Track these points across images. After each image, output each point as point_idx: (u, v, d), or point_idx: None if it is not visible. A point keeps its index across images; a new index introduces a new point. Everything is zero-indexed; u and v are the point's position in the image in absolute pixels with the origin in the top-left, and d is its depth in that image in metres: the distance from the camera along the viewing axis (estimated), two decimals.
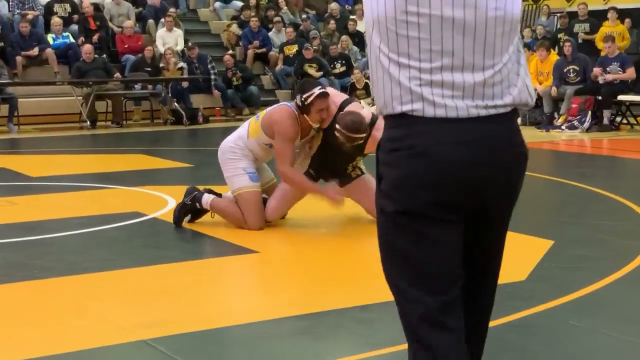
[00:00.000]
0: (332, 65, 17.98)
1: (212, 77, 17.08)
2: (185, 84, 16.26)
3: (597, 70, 14.13)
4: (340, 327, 4.35)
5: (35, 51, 16.29)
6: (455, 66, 2.35)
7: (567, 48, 14.56)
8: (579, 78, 14.35)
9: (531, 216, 7.37)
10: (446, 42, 2.33)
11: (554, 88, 14.34)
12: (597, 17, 17.98)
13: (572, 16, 18.57)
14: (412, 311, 2.42)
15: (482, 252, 2.54)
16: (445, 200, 2.36)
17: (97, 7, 18.02)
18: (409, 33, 2.34)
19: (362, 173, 6.75)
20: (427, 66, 2.35)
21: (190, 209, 6.65)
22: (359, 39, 19.42)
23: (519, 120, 2.67)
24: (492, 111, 2.38)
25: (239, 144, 6.58)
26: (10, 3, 17.51)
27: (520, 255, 5.75)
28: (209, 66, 17.16)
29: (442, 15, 2.31)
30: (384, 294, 4.75)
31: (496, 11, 2.35)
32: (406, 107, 2.37)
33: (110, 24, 17.79)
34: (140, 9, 19.04)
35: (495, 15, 2.35)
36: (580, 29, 17.56)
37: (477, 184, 2.38)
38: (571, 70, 14.46)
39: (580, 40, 17.31)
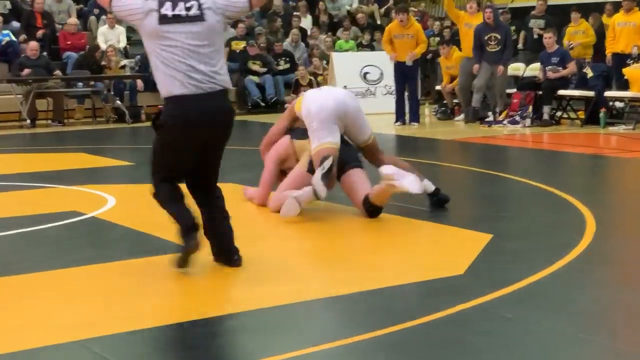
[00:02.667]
0: (276, 62, 17.96)
1: None
2: (140, 83, 16.06)
3: (540, 74, 14.25)
4: (278, 325, 4.36)
5: None
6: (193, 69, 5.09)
7: (488, 15, 14.26)
8: (499, 47, 14.23)
9: (470, 210, 7.46)
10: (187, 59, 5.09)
11: (476, 65, 14.31)
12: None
13: (528, 11, 18.41)
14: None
15: None
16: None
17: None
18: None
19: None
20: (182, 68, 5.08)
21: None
22: (303, 35, 19.44)
23: None
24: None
25: None
26: None
27: (459, 249, 5.81)
28: None
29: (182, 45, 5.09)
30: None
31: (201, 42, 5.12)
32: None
33: None
34: (81, 5, 18.81)
35: (201, 44, 5.11)
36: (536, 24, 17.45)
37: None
38: (492, 37, 14.29)
39: (535, 35, 17.16)
